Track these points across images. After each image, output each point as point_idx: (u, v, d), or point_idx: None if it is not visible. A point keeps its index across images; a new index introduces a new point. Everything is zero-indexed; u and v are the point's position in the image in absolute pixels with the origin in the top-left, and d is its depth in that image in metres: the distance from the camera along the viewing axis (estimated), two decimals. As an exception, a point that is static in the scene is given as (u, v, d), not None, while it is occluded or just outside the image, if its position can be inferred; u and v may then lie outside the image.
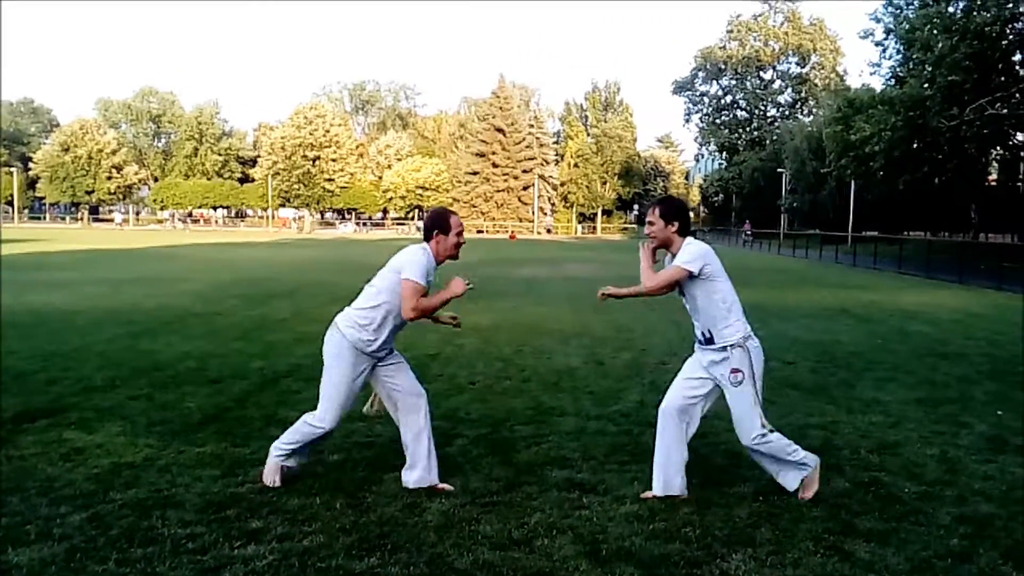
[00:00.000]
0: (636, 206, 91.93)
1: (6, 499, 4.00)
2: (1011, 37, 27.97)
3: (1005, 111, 28.12)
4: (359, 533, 3.64)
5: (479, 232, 73.53)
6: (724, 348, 3.99)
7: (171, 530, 3.63)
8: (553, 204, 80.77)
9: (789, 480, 4.10)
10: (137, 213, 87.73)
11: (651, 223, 4.12)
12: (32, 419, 5.48)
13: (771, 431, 4.04)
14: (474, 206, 76.72)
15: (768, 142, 69.85)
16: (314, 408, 4.25)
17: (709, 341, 4.04)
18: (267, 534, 3.61)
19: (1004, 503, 4.15)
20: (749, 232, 56.89)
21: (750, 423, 4.01)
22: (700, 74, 77.63)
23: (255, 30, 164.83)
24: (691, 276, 3.97)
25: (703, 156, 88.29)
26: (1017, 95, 28.68)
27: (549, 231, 72.43)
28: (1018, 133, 33.69)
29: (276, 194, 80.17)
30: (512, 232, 67.15)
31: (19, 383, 6.62)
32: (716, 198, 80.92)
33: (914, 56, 29.82)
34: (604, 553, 3.46)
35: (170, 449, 4.89)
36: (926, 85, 28.63)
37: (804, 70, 74.20)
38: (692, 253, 3.99)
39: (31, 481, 4.26)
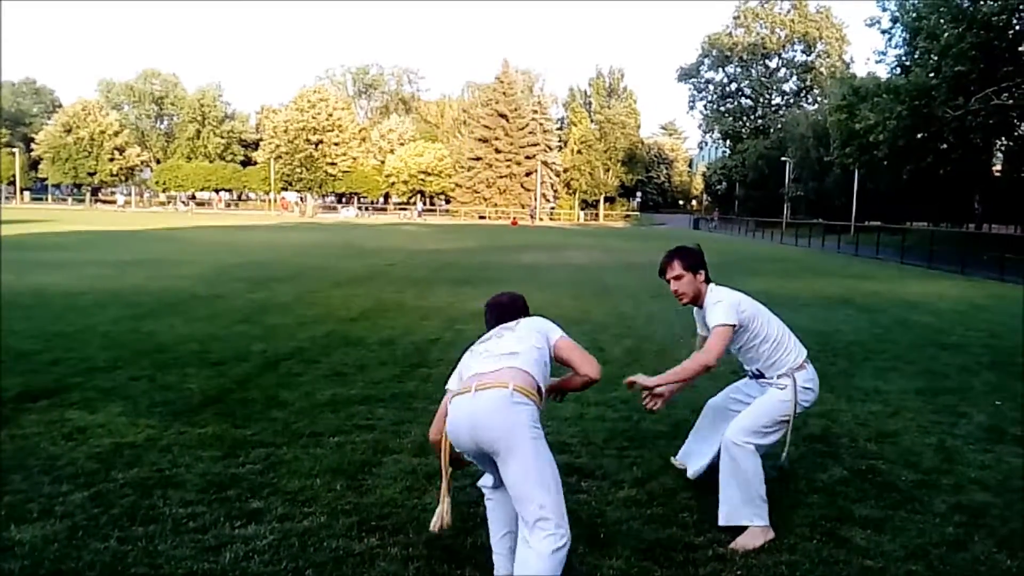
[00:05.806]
0: (639, 193, 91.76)
1: (9, 477, 4.03)
2: (1018, 27, 27.71)
3: (1011, 101, 27.92)
4: (359, 515, 3.67)
5: (481, 218, 73.37)
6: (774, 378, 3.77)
7: (172, 509, 3.67)
8: (556, 190, 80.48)
9: (726, 513, 3.55)
10: (140, 195, 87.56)
11: (677, 278, 3.71)
12: (35, 399, 5.52)
13: (757, 450, 3.58)
14: (476, 192, 76.50)
15: (772, 130, 69.59)
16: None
17: (759, 376, 3.84)
18: (267, 514, 3.65)
19: (1000, 492, 4.17)
20: (715, 220, 67.09)
21: (751, 424, 3.64)
22: (706, 61, 77.18)
23: (259, 12, 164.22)
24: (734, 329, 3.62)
25: (707, 144, 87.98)
26: (1024, 85, 28.51)
27: (532, 216, 71.63)
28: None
29: (278, 178, 79.99)
30: (514, 218, 66.99)
31: (22, 363, 6.66)
32: (719, 186, 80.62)
33: (920, 45, 29.59)
34: (602, 537, 3.49)
35: (171, 430, 4.92)
36: (932, 74, 28.41)
37: (810, 58, 73.76)
38: (725, 307, 3.62)
39: (34, 460, 4.30)
